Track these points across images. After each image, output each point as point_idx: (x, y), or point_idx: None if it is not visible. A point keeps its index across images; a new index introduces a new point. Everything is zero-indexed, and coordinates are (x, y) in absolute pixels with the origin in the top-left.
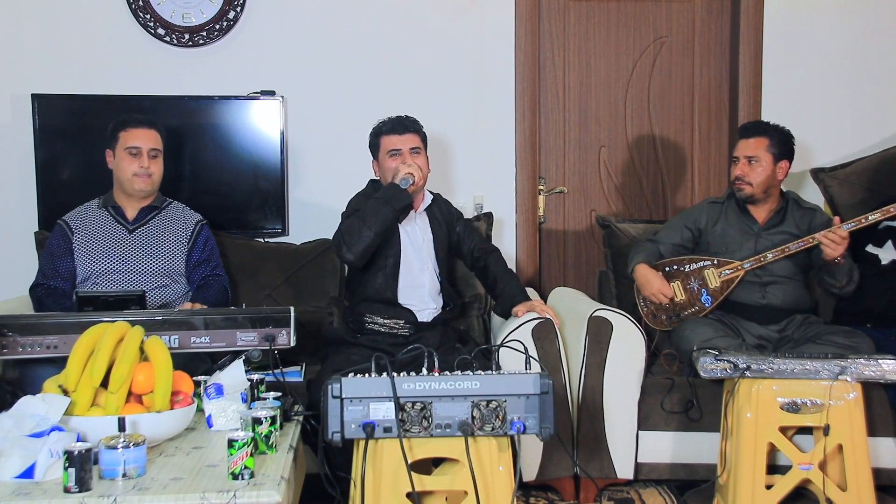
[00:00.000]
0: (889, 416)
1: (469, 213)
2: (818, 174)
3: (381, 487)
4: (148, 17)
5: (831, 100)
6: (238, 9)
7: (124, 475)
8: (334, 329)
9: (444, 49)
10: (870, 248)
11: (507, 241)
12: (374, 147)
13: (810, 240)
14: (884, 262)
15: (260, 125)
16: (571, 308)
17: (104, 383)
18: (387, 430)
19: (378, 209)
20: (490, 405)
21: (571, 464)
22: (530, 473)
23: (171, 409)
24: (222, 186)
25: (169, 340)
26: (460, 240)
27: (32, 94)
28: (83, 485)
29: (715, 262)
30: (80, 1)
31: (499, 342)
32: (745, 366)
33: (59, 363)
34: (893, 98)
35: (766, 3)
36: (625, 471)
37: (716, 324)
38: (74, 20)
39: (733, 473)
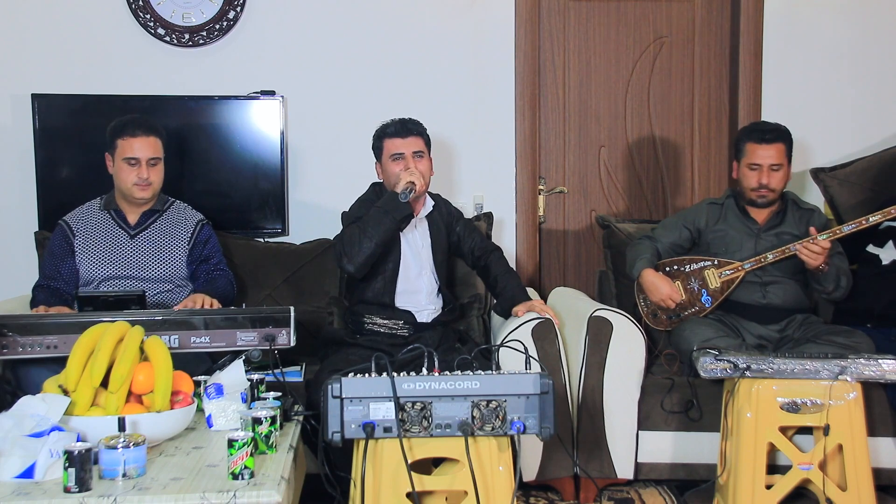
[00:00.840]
0: (889, 416)
1: (469, 213)
2: (818, 174)
3: (381, 487)
4: (148, 17)
5: (831, 100)
6: (238, 9)
7: (124, 475)
8: (334, 329)
9: (445, 49)
10: (870, 249)
11: (507, 241)
12: (377, 150)
13: (788, 249)
14: (884, 262)
15: (260, 125)
16: (571, 308)
17: (104, 383)
18: (387, 430)
19: (379, 220)
20: (490, 405)
21: (571, 464)
22: (530, 473)
23: (171, 409)
24: (222, 186)
25: (169, 340)
26: (460, 240)
27: (32, 94)
28: (83, 485)
29: (715, 262)
30: (80, 1)
31: (499, 342)
32: (745, 366)
33: (59, 363)
34: (894, 98)
35: (766, 3)
36: (625, 471)
37: (716, 324)
38: (74, 20)
39: (733, 473)
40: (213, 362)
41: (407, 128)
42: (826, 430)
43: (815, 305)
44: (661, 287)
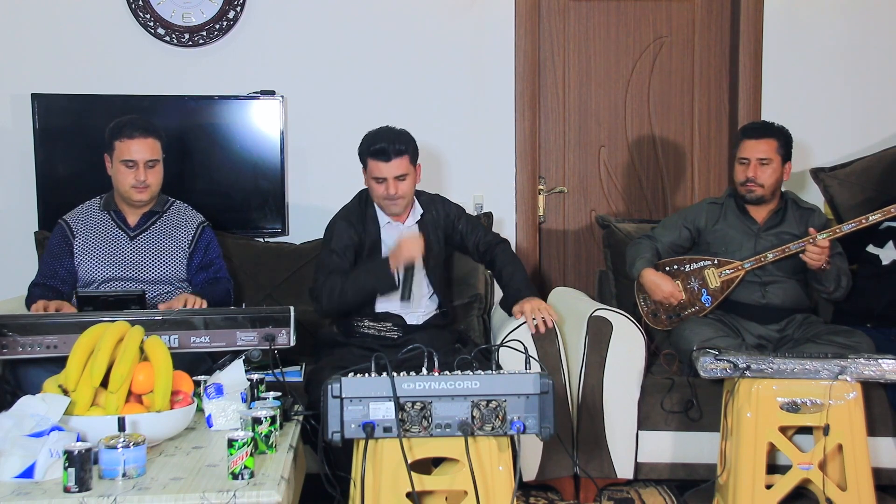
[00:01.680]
0: (889, 416)
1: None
2: (818, 174)
3: (381, 487)
4: (148, 16)
5: (831, 100)
6: (238, 9)
7: (124, 475)
8: (327, 332)
9: (444, 49)
10: (870, 249)
11: None
12: (362, 162)
13: (788, 248)
14: (884, 262)
15: (260, 125)
16: (571, 308)
17: (104, 383)
18: (387, 429)
19: (363, 284)
20: (490, 405)
21: (571, 463)
22: (530, 473)
23: (171, 408)
24: (222, 186)
25: (169, 340)
26: (464, 237)
27: (32, 94)
28: (83, 485)
29: (715, 261)
30: (80, 1)
31: (499, 342)
32: (744, 366)
33: (59, 363)
34: (893, 98)
35: (766, 3)
36: (625, 471)
37: (716, 324)
38: (74, 20)
39: (733, 473)
40: (213, 362)
41: (387, 151)
42: (826, 429)
43: (815, 305)
44: (662, 286)
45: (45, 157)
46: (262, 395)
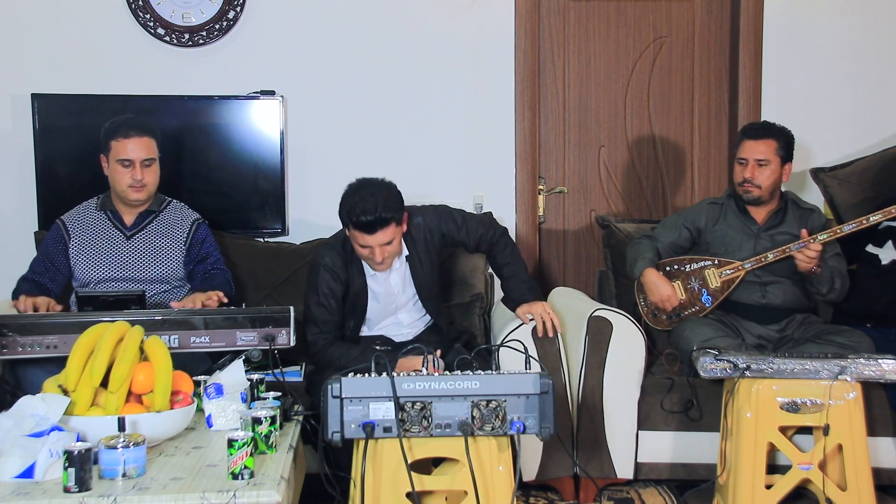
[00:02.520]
0: (889, 416)
1: None
2: (818, 174)
3: (380, 487)
4: (148, 16)
5: (831, 99)
6: (238, 9)
7: (124, 475)
8: None
9: (444, 49)
10: (870, 249)
11: None
12: (344, 225)
13: (785, 250)
14: (884, 262)
15: (260, 125)
16: (571, 308)
17: (104, 383)
18: (387, 429)
19: (347, 364)
20: (490, 405)
21: (571, 464)
22: (530, 473)
23: (171, 408)
24: (222, 186)
25: (169, 340)
26: (466, 244)
27: (32, 94)
28: (83, 485)
29: (716, 262)
30: (80, 1)
31: (499, 342)
32: (744, 366)
33: (59, 363)
34: (894, 98)
35: (766, 3)
36: (625, 471)
37: (716, 324)
38: (74, 20)
39: (733, 473)
40: (213, 362)
41: (372, 224)
42: (826, 430)
43: (814, 305)
44: (661, 288)
45: (45, 157)
46: (262, 395)
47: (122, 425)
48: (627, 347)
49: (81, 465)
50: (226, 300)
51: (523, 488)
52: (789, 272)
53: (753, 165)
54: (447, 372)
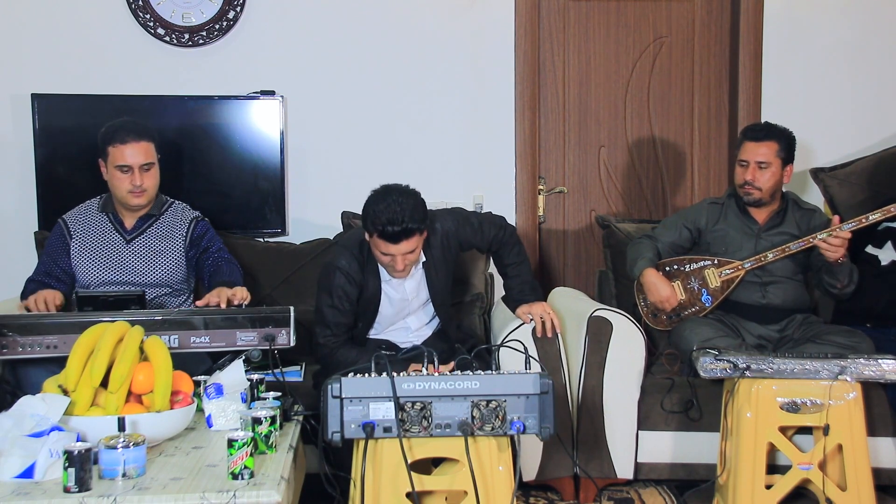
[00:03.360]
0: (889, 416)
1: None
2: (818, 174)
3: (380, 487)
4: (148, 16)
5: (831, 99)
6: (238, 9)
7: (124, 475)
8: None
9: (444, 49)
10: (870, 249)
11: None
12: (368, 232)
13: (810, 240)
14: (884, 262)
15: (260, 125)
16: (571, 308)
17: (104, 383)
18: (387, 429)
19: (355, 364)
20: (490, 405)
21: (571, 464)
22: (530, 473)
23: (171, 408)
24: (222, 186)
25: (169, 340)
26: (478, 247)
27: (32, 94)
28: (83, 485)
29: (715, 261)
30: (80, 1)
31: (499, 342)
32: (744, 366)
33: (59, 363)
34: (893, 98)
35: (766, 3)
36: (625, 471)
37: (716, 324)
38: (74, 20)
39: (733, 473)
40: (213, 362)
41: (397, 235)
42: (826, 430)
43: (814, 305)
44: (661, 288)
45: (45, 157)
46: (262, 395)
47: (122, 425)
48: (627, 347)
49: (81, 465)
50: (248, 299)
51: (523, 488)
52: (790, 272)
53: (754, 168)
54: (447, 372)
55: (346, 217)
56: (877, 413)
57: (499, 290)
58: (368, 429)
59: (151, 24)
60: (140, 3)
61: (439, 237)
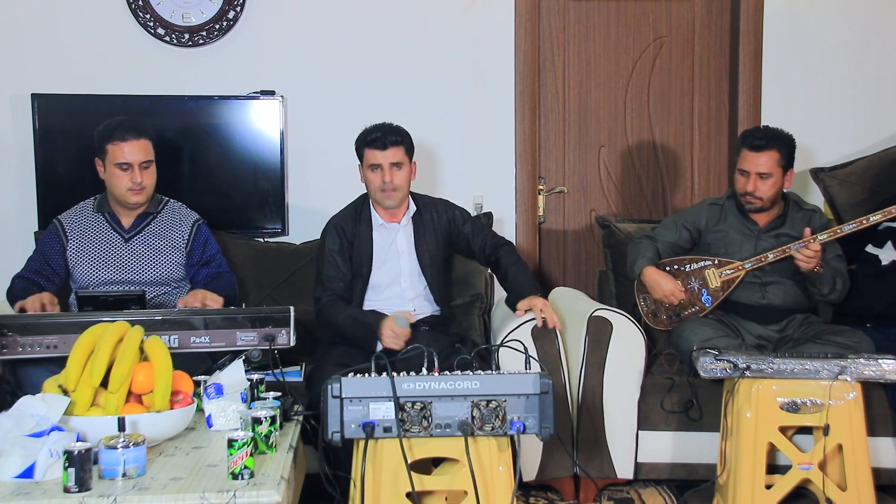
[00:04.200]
0: (889, 416)
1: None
2: (818, 174)
3: (380, 487)
4: (148, 16)
5: (831, 100)
6: (238, 9)
7: (124, 475)
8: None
9: (444, 49)
10: (870, 249)
11: None
12: (359, 155)
13: (785, 250)
14: (884, 262)
15: (260, 125)
16: (571, 308)
17: (104, 383)
18: (387, 429)
19: (353, 332)
20: (490, 405)
21: (571, 464)
22: (530, 473)
23: (171, 408)
24: (222, 186)
25: (169, 340)
26: (469, 241)
27: (32, 94)
28: (83, 485)
29: (716, 261)
30: (80, 1)
31: (499, 342)
32: (744, 366)
33: (59, 363)
34: (894, 98)
35: (766, 3)
36: (625, 471)
37: (716, 324)
38: (74, 20)
39: (733, 473)
40: (213, 362)
41: (384, 140)
42: (826, 430)
43: (814, 305)
44: (663, 284)
45: (45, 157)
46: (262, 395)
47: (122, 425)
48: (627, 347)
49: (81, 465)
50: (220, 307)
51: (523, 488)
52: (790, 273)
53: (755, 178)
54: (447, 372)
55: (326, 238)
56: (877, 413)
57: (499, 291)
58: (368, 429)
59: (151, 24)
60: (140, 3)
61: (430, 209)
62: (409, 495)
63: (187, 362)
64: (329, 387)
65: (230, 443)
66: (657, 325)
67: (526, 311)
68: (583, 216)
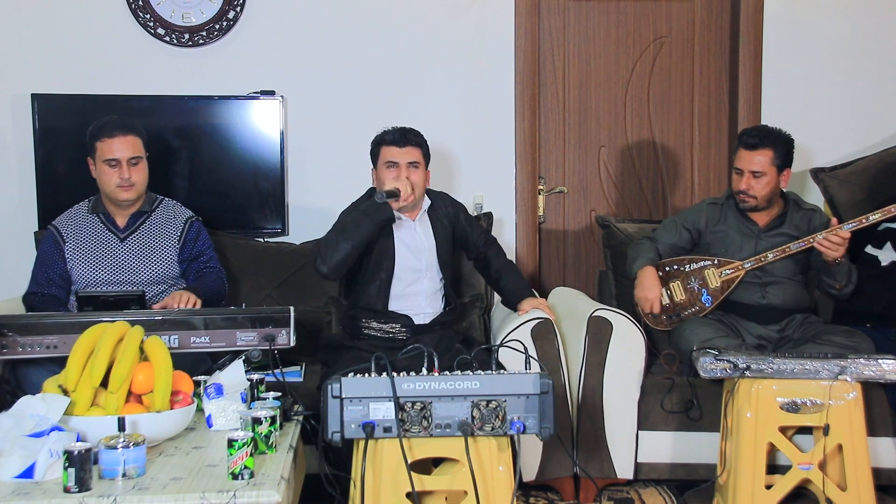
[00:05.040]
0: (889, 416)
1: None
2: (818, 174)
3: (380, 487)
4: (148, 16)
5: (831, 100)
6: (238, 9)
7: (124, 475)
8: (332, 335)
9: (444, 49)
10: (870, 249)
11: (507, 241)
12: (374, 156)
13: (810, 240)
14: (883, 263)
15: (260, 125)
16: (571, 308)
17: (104, 383)
18: (387, 430)
19: (358, 222)
20: (490, 405)
21: (571, 464)
22: (530, 473)
23: (171, 408)
24: (222, 186)
25: (169, 340)
26: (466, 233)
27: (32, 94)
28: (83, 485)
29: (715, 261)
30: (80, 1)
31: (499, 342)
32: (744, 366)
33: (59, 363)
34: (894, 98)
35: (766, 3)
36: (625, 471)
37: (716, 324)
38: (74, 20)
39: (733, 473)
40: (213, 362)
41: (405, 137)
42: (826, 430)
43: (814, 305)
44: (648, 288)
45: (45, 157)
46: (262, 395)
47: (122, 425)
48: (627, 347)
49: (81, 465)
50: (199, 306)
51: (523, 488)
52: (790, 273)
53: (749, 177)
54: (447, 372)
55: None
56: (877, 413)
57: None
58: (368, 429)
59: (151, 24)
60: (140, 3)
61: (441, 203)
62: (409, 495)
63: (187, 362)
64: (329, 387)
65: (230, 443)
66: (657, 326)
67: (529, 311)
68: (583, 216)
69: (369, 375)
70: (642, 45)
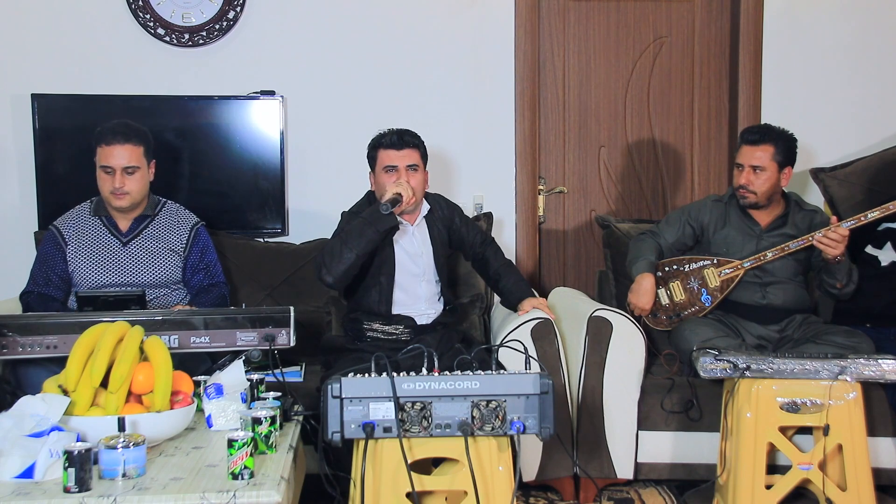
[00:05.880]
0: (889, 416)
1: (469, 214)
2: (818, 174)
3: (380, 487)
4: (148, 16)
5: (831, 100)
6: (238, 9)
7: (124, 475)
8: (334, 337)
9: (444, 49)
10: (869, 249)
11: (507, 241)
12: (372, 159)
13: (809, 238)
14: (883, 263)
15: (260, 125)
16: (571, 308)
17: (104, 383)
18: (386, 430)
19: (362, 230)
20: (490, 405)
21: (571, 464)
22: (530, 473)
23: (171, 409)
24: (222, 186)
25: (169, 340)
26: (462, 235)
27: (32, 94)
28: (83, 485)
29: (715, 261)
30: (80, 1)
31: (499, 342)
32: (744, 366)
33: (59, 363)
34: (894, 98)
35: (766, 3)
36: (625, 471)
37: (716, 324)
38: (74, 20)
39: (733, 473)
40: (213, 362)
41: (403, 140)
42: (826, 430)
43: (814, 305)
44: (642, 296)
45: (45, 157)
46: (262, 395)
47: (122, 425)
48: (627, 347)
49: (81, 465)
50: None
51: (523, 488)
52: (790, 273)
53: (749, 171)
54: (447, 372)
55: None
56: (877, 413)
57: None
58: (368, 429)
59: (151, 24)
60: (140, 3)
61: (437, 207)
62: (409, 495)
63: (187, 362)
64: (329, 387)
65: (230, 443)
66: (657, 326)
67: (529, 311)
68: (583, 216)
69: (369, 375)
70: (642, 45)
